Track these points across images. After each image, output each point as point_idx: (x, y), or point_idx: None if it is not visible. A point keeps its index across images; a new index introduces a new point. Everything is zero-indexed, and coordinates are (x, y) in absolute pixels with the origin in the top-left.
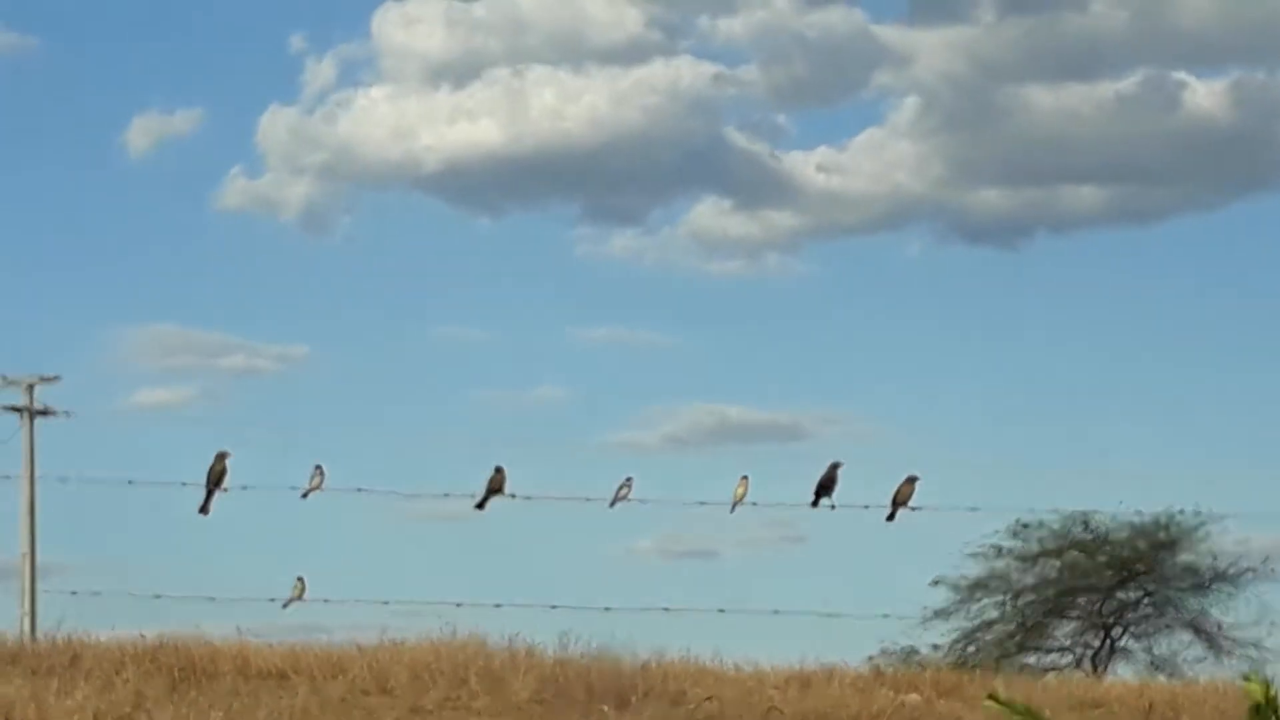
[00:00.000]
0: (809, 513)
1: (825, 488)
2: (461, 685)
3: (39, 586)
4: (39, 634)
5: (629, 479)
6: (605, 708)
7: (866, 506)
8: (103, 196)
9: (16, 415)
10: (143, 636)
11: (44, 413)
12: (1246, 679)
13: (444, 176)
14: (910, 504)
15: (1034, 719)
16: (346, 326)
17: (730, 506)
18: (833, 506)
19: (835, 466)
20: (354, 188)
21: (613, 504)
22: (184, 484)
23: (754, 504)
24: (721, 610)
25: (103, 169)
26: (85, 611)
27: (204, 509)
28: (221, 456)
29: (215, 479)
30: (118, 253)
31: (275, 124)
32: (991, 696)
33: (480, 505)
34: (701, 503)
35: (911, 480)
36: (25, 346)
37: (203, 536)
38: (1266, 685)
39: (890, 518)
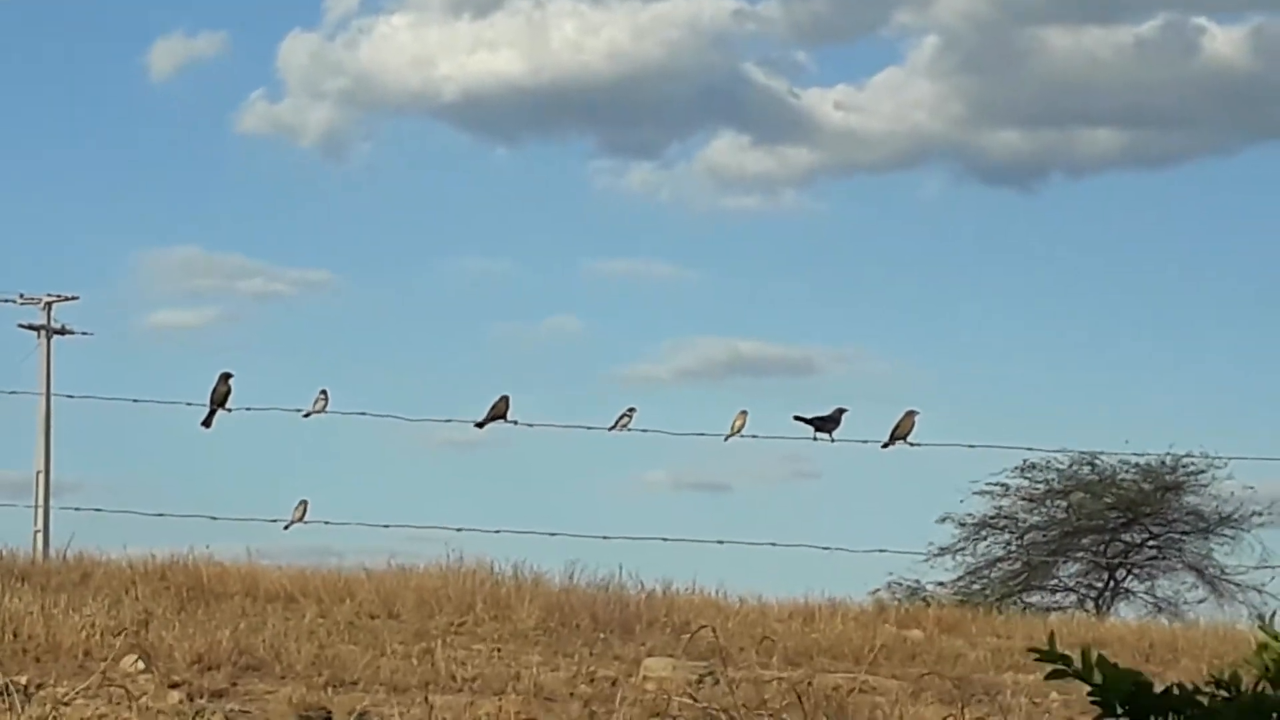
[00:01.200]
0: (821, 449)
1: (824, 423)
2: (468, 611)
3: (53, 504)
4: (51, 551)
5: (630, 409)
6: (609, 636)
7: (865, 441)
8: (125, 119)
9: (35, 333)
10: (153, 556)
11: (61, 331)
12: (1262, 627)
13: (463, 106)
14: (910, 438)
15: (1088, 668)
16: (365, 253)
17: (725, 436)
18: (832, 440)
19: (841, 411)
20: (373, 115)
21: (612, 428)
22: (188, 404)
23: (754, 436)
24: (720, 542)
25: (125, 91)
26: (97, 529)
27: (206, 423)
28: (225, 378)
29: (219, 400)
30: (139, 175)
31: (297, 49)
32: (1034, 650)
33: (480, 425)
34: (701, 433)
35: (911, 414)
36: (45, 266)
37: (210, 457)
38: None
39: (885, 446)
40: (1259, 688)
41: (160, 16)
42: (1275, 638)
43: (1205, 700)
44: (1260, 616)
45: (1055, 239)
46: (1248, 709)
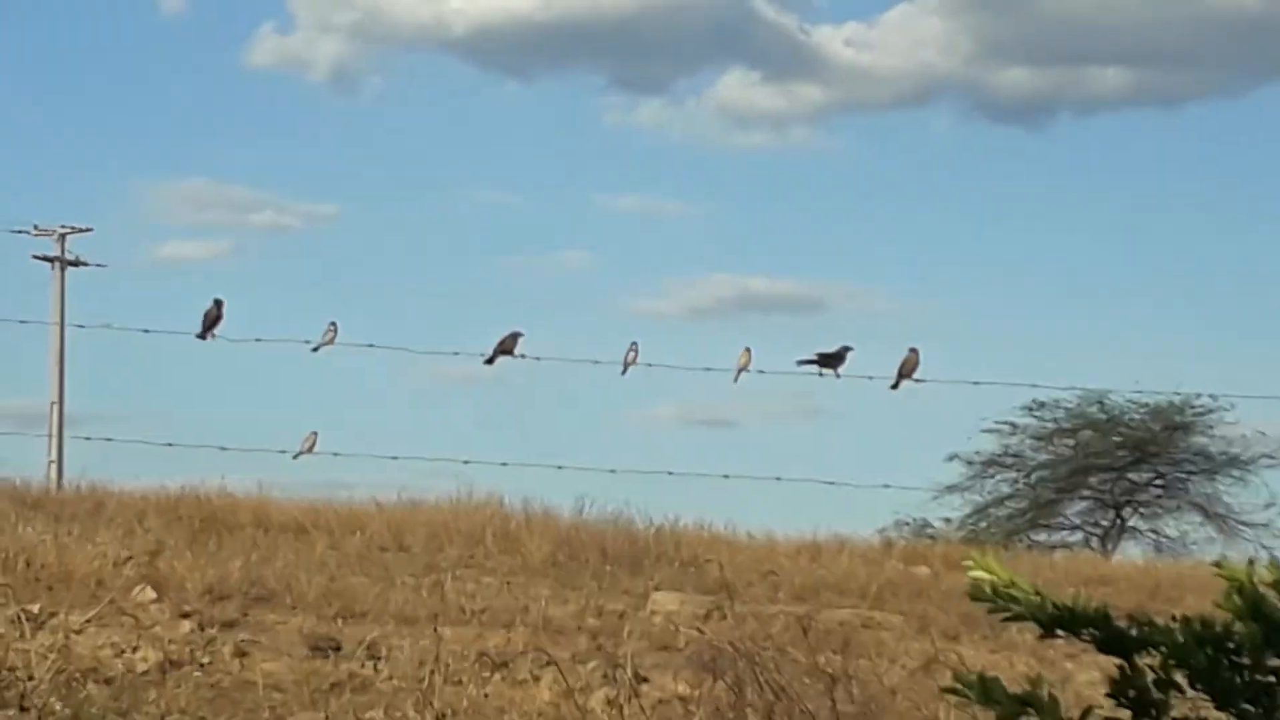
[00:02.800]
0: (830, 385)
1: (829, 360)
2: (478, 545)
3: (65, 435)
4: (64, 482)
5: (633, 344)
6: (618, 570)
7: (870, 377)
8: (135, 51)
9: (49, 265)
10: (164, 487)
11: (75, 263)
12: (1217, 565)
13: (473, 40)
14: (915, 376)
15: (1016, 586)
16: (375, 187)
17: (734, 375)
18: (837, 377)
19: (846, 349)
20: (384, 49)
21: (624, 371)
22: (197, 335)
23: (760, 371)
24: (726, 476)
25: (135, 23)
26: (110, 460)
27: (202, 335)
28: (218, 304)
29: (210, 322)
30: (150, 107)
31: None
32: (971, 561)
33: (489, 361)
34: (707, 369)
35: (913, 351)
36: (58, 198)
37: (220, 389)
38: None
39: (894, 386)
40: (1233, 625)
41: None
42: (1234, 577)
43: (1178, 636)
44: (1217, 561)
45: (1063, 177)
46: (1221, 643)
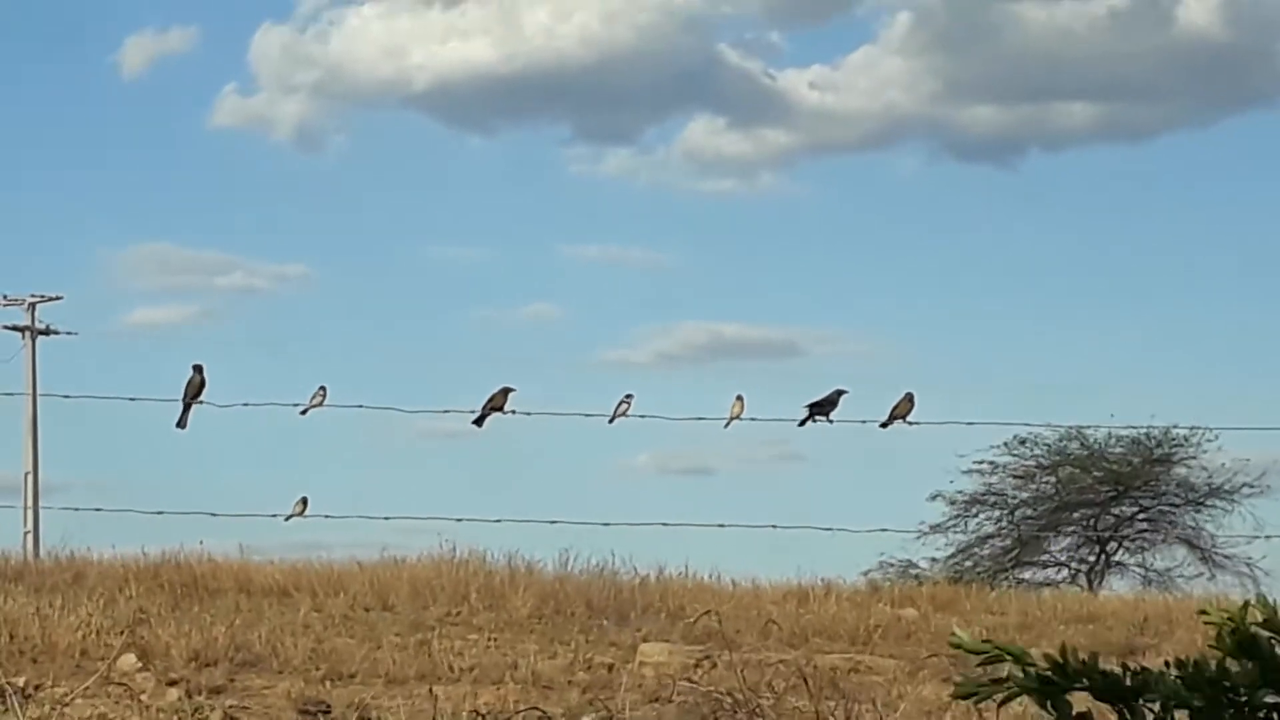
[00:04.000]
0: (805, 431)
1: (821, 407)
2: (462, 602)
3: (41, 504)
4: (42, 552)
5: (629, 396)
6: (605, 623)
7: (864, 421)
8: (98, 117)
9: (19, 334)
10: (145, 553)
11: (45, 332)
12: (1203, 613)
13: (436, 95)
14: (909, 418)
15: (996, 649)
16: (342, 245)
17: (725, 423)
18: (830, 422)
19: (839, 393)
20: (346, 106)
21: (612, 420)
22: (180, 401)
23: (751, 419)
24: (721, 525)
25: (97, 88)
26: (88, 529)
27: (181, 423)
28: (198, 369)
29: (194, 392)
30: (114, 172)
31: (268, 42)
32: (954, 640)
33: (478, 422)
34: (699, 418)
35: (910, 396)
36: (23, 266)
37: (204, 454)
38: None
39: (885, 425)
40: (1224, 664)
41: (131, 13)
42: (1228, 616)
43: (1172, 679)
44: (1202, 610)
45: (1034, 214)
46: (1216, 684)
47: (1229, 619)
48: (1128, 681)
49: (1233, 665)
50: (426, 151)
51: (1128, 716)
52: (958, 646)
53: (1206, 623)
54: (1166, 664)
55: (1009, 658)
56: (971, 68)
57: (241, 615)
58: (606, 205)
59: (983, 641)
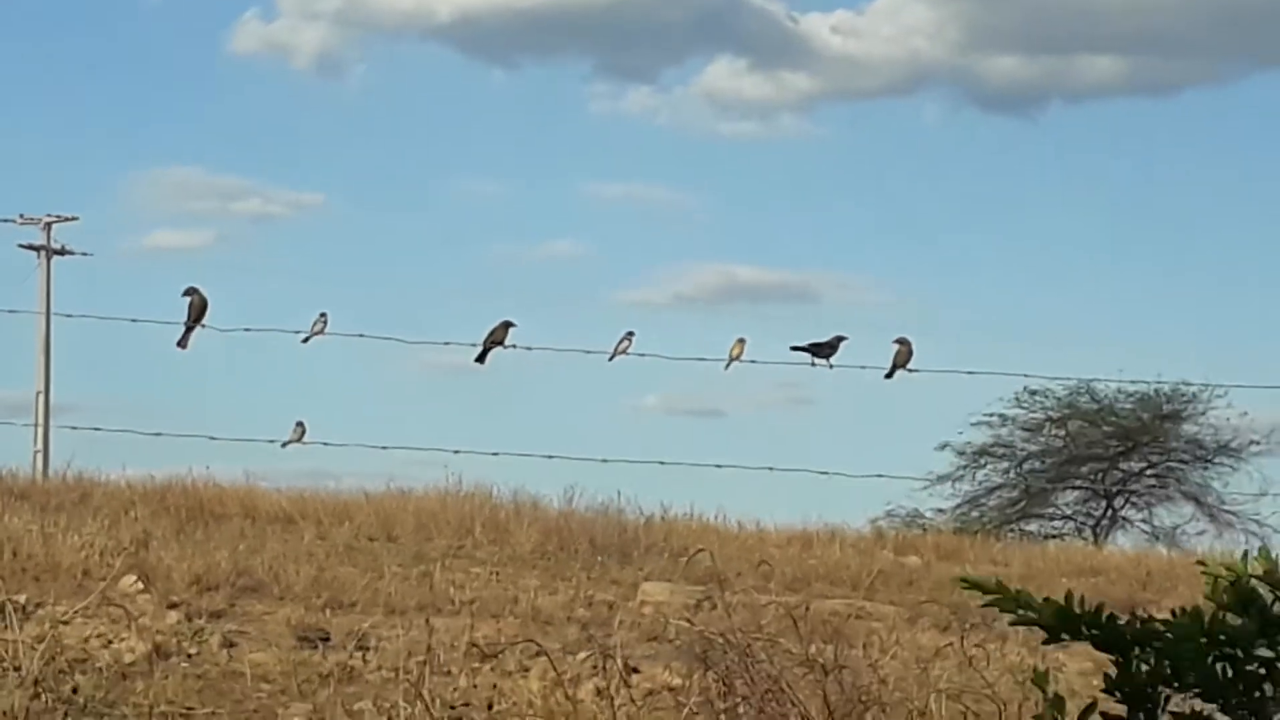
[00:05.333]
0: (817, 375)
1: (820, 349)
2: (466, 535)
3: (52, 424)
4: (50, 471)
5: (630, 333)
6: (607, 560)
7: (864, 367)
8: (118, 39)
9: (34, 254)
10: (151, 477)
11: (61, 252)
12: (1201, 563)
13: (457, 27)
14: (909, 366)
15: (1004, 593)
16: (361, 176)
17: (725, 364)
18: (830, 366)
19: (839, 339)
20: (368, 36)
21: (612, 358)
22: (182, 324)
23: (752, 361)
24: (719, 465)
25: (118, 11)
26: (96, 450)
27: (182, 343)
28: (193, 292)
29: (196, 313)
30: (134, 96)
31: None
32: (963, 579)
33: (480, 359)
34: (700, 358)
35: (904, 342)
36: (43, 187)
37: (207, 379)
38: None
39: (889, 375)
40: (1221, 617)
41: None
42: (1228, 568)
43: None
44: (1200, 560)
45: (1054, 166)
46: (1208, 636)
47: (1228, 571)
48: (1127, 634)
49: (1230, 618)
50: (448, 84)
51: (1125, 667)
52: (967, 585)
53: (1204, 573)
54: (1172, 613)
55: (1015, 600)
56: (996, 17)
57: (245, 541)
58: (627, 144)
59: (993, 581)
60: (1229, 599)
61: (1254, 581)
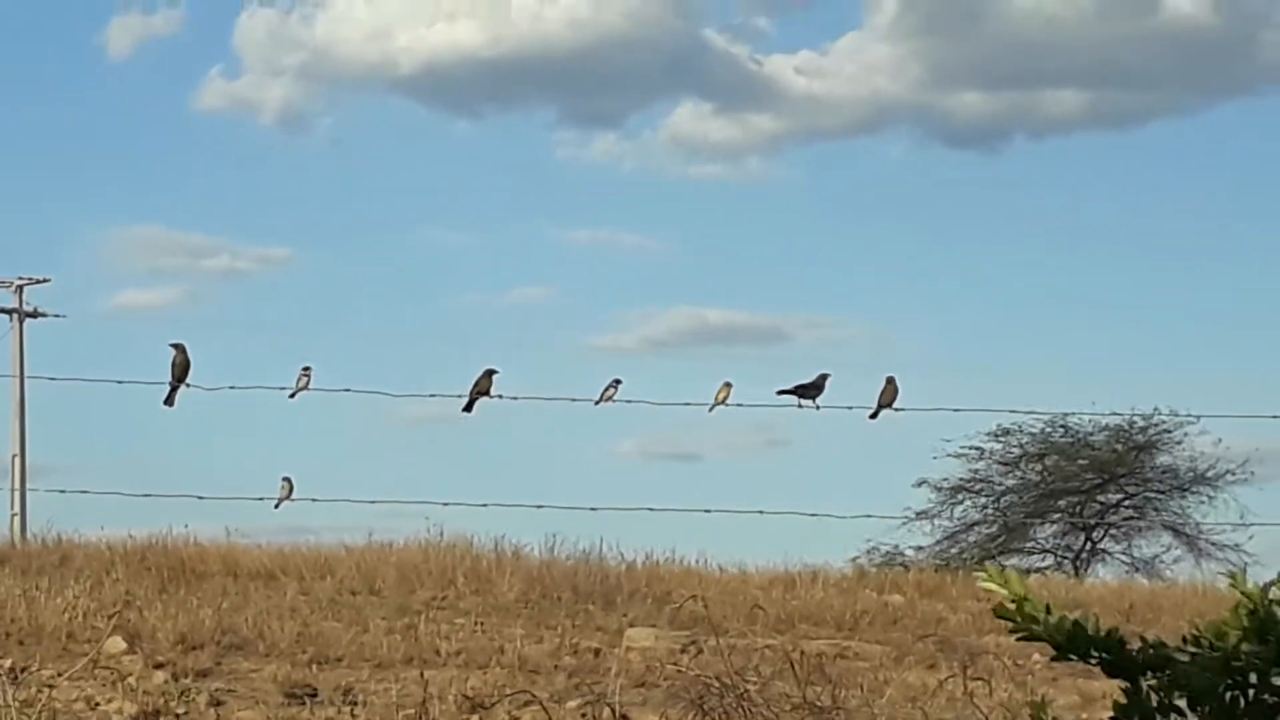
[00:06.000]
0: (791, 417)
1: (806, 390)
2: (449, 586)
3: (29, 486)
4: (29, 534)
5: (616, 381)
6: (591, 607)
7: (850, 407)
8: (84, 99)
9: (6, 317)
10: (132, 537)
11: (34, 314)
12: (1234, 583)
13: (422, 78)
14: (895, 405)
15: (1027, 601)
16: (328, 229)
17: (710, 407)
18: (817, 408)
19: (824, 377)
20: (332, 89)
21: (598, 402)
22: (167, 383)
23: (738, 405)
24: (707, 510)
25: (84, 71)
26: (75, 512)
27: (169, 401)
28: (180, 349)
29: (180, 372)
30: (100, 154)
31: (253, 25)
32: (990, 576)
33: (467, 408)
34: (686, 403)
35: (891, 380)
36: (11, 249)
37: (191, 437)
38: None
39: (873, 416)
40: (1239, 644)
41: None
42: (1248, 595)
43: (1184, 657)
44: (1232, 574)
45: (1020, 201)
46: (1224, 664)
47: (1246, 598)
48: (1139, 658)
49: (1245, 646)
50: (413, 135)
51: (1135, 694)
52: (1001, 604)
53: (1232, 586)
54: (1184, 639)
55: (1027, 616)
56: (958, 54)
57: (228, 599)
58: (594, 189)
59: (1021, 600)
60: (1248, 625)
61: (1276, 608)
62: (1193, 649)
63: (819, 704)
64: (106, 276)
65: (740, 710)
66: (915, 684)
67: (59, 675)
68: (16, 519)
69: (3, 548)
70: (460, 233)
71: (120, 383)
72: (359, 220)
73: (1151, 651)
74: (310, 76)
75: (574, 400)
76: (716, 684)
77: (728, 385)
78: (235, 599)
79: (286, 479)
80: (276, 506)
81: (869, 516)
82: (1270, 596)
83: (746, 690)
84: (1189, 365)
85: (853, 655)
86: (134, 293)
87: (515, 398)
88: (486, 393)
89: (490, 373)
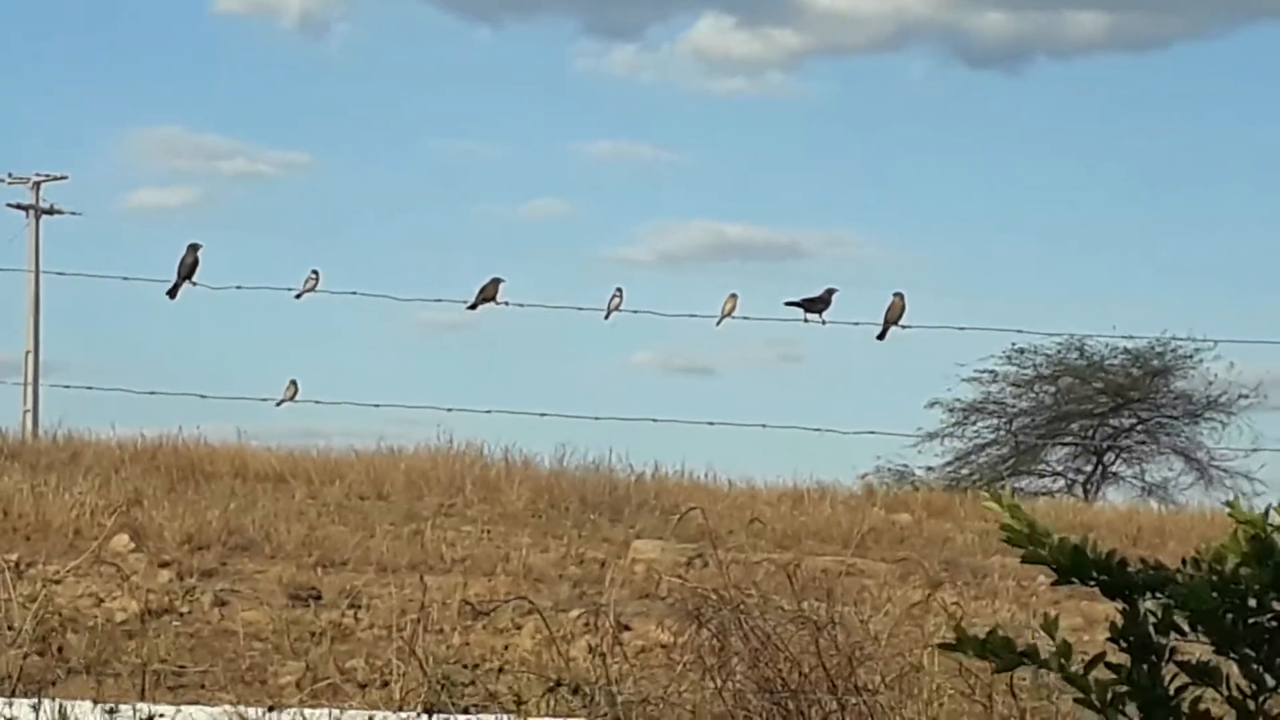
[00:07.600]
0: (806, 333)
1: (813, 304)
2: (457, 493)
3: (41, 383)
4: (40, 430)
5: (619, 289)
6: (598, 518)
7: (857, 323)
8: None
9: (23, 213)
10: (143, 436)
11: (50, 211)
12: (1232, 512)
13: None
14: (901, 321)
15: (1030, 527)
16: (346, 135)
17: (717, 320)
18: (823, 322)
19: (831, 291)
20: None
21: (608, 316)
22: (168, 292)
23: (744, 317)
24: (711, 423)
25: None
26: (86, 409)
27: (172, 293)
28: (193, 249)
29: (186, 271)
30: (121, 55)
31: None
32: (993, 498)
33: (472, 307)
34: (692, 314)
35: (898, 296)
36: (31, 146)
37: (200, 336)
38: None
39: (881, 336)
40: (1238, 568)
41: None
42: (1248, 521)
43: (1183, 579)
44: (1229, 502)
45: (1040, 122)
46: (1223, 587)
47: (1248, 524)
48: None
49: (1245, 570)
50: (433, 42)
51: (1133, 615)
52: (1007, 526)
53: (1230, 515)
54: (1183, 561)
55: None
56: None
57: (236, 500)
58: (613, 102)
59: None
60: (1249, 550)
61: (1275, 534)
62: (1191, 571)
63: (815, 618)
64: (124, 176)
65: (736, 622)
66: (918, 601)
67: (65, 571)
68: (29, 415)
69: (14, 443)
70: (478, 142)
71: (126, 279)
72: (378, 127)
73: (1151, 574)
74: None
75: (580, 309)
76: (714, 596)
77: (733, 297)
78: (243, 500)
79: (293, 381)
80: (278, 405)
81: (873, 433)
82: (1270, 522)
83: (744, 603)
84: (1208, 288)
85: (858, 572)
86: (151, 192)
87: (521, 305)
88: (493, 299)
89: (497, 281)
